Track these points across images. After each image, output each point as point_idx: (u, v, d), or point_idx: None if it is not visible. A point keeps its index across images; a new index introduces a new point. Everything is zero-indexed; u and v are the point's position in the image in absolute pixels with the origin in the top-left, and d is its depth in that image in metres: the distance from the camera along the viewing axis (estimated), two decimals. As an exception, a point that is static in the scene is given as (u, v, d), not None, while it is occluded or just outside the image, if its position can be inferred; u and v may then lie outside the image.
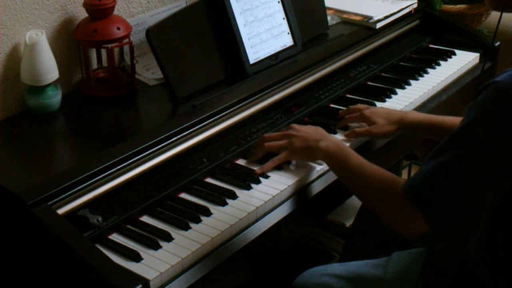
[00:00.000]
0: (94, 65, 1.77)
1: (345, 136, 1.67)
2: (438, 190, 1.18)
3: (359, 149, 1.67)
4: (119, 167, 1.40)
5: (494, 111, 1.11)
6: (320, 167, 1.56)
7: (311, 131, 1.53)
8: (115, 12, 1.69)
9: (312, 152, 1.50)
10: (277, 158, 1.53)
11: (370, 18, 2.09)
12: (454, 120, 1.62)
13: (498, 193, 1.13)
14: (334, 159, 1.46)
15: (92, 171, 1.35)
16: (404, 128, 1.68)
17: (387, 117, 1.68)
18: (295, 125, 1.57)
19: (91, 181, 1.35)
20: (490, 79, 1.15)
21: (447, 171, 1.17)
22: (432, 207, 1.20)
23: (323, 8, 2.02)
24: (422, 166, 1.23)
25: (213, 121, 1.59)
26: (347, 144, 1.64)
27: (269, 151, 1.55)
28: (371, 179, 1.36)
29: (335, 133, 1.69)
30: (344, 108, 1.82)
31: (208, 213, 1.39)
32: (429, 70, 2.07)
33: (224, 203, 1.42)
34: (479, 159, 1.13)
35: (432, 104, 1.94)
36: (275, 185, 1.48)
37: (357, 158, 1.42)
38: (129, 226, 1.36)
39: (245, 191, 1.46)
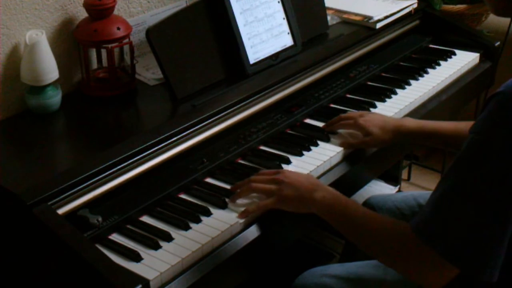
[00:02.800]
0: (94, 65, 1.77)
1: (340, 146, 1.63)
2: (450, 218, 1.11)
3: (359, 150, 1.67)
4: (119, 167, 1.40)
5: (503, 122, 1.07)
6: (320, 169, 1.56)
7: (302, 179, 1.39)
8: (115, 12, 1.69)
9: (305, 203, 1.36)
10: (263, 204, 1.39)
11: (370, 18, 2.09)
12: (449, 125, 1.60)
13: None
14: (332, 211, 1.33)
15: (92, 171, 1.35)
16: (400, 137, 1.63)
17: (382, 126, 1.62)
18: (286, 171, 1.44)
19: (91, 181, 1.35)
20: (495, 91, 1.11)
21: (457, 195, 1.10)
22: (446, 238, 1.11)
23: (323, 8, 2.02)
24: (430, 198, 1.16)
25: (213, 121, 1.59)
26: (342, 150, 1.62)
27: (254, 193, 1.43)
28: (377, 229, 1.24)
29: (328, 139, 1.67)
30: (344, 108, 1.82)
31: (208, 213, 1.39)
32: (429, 70, 2.07)
33: (224, 203, 1.42)
34: (493, 175, 1.07)
35: (432, 104, 1.94)
36: (275, 185, 1.48)
37: (357, 207, 1.31)
38: (129, 226, 1.36)
39: (245, 191, 1.46)
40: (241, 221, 1.37)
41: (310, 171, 1.54)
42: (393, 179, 2.43)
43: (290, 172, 1.44)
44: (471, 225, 1.10)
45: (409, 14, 2.22)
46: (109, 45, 1.64)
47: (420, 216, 1.17)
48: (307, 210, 1.38)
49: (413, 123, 1.65)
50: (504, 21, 2.40)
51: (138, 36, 1.83)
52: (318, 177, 1.55)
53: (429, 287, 1.18)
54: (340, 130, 1.70)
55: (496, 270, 1.11)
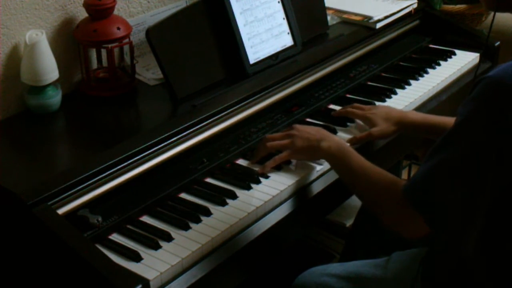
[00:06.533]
0: (94, 65, 1.77)
1: (348, 142, 1.66)
2: (435, 189, 1.18)
3: (359, 149, 1.67)
4: (119, 167, 1.40)
5: (488, 106, 1.11)
6: (320, 167, 1.56)
7: (313, 131, 1.54)
8: (115, 12, 1.69)
9: (314, 152, 1.51)
10: (278, 156, 1.53)
11: (370, 18, 2.09)
12: (453, 120, 1.61)
13: (496, 190, 1.12)
14: (336, 160, 1.47)
15: (92, 171, 1.35)
16: (404, 129, 1.69)
17: (387, 118, 1.68)
18: (297, 125, 1.58)
19: (91, 181, 1.35)
20: (485, 75, 1.14)
21: (443, 170, 1.17)
22: (430, 207, 1.20)
23: (323, 8, 2.02)
24: (420, 166, 1.23)
25: (213, 121, 1.59)
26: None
27: (271, 151, 1.55)
28: (372, 180, 1.37)
29: (335, 133, 1.69)
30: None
31: (208, 213, 1.39)
32: (429, 70, 2.07)
33: (224, 203, 1.42)
34: (475, 156, 1.13)
35: (432, 104, 1.94)
36: (275, 185, 1.48)
37: (359, 159, 1.43)
38: (129, 226, 1.36)
39: (245, 191, 1.46)
40: (241, 221, 1.38)
41: (311, 171, 1.54)
42: (393, 179, 2.42)
43: (301, 126, 1.59)
44: (451, 199, 1.16)
45: (409, 14, 2.22)
46: (109, 45, 1.64)
47: (411, 180, 1.25)
48: (317, 158, 1.55)
49: (417, 115, 1.71)
50: (504, 20, 2.40)
51: (138, 36, 1.83)
52: (319, 176, 1.55)
53: (406, 236, 1.30)
54: (349, 124, 1.74)
55: (469, 244, 1.18)
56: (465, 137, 1.14)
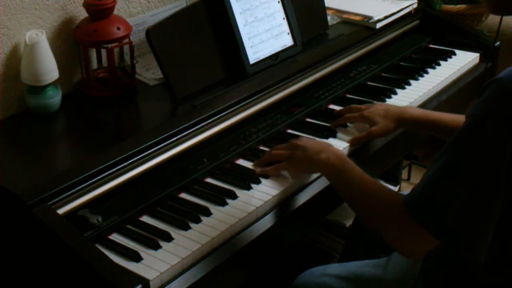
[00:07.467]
0: (94, 65, 1.77)
1: (349, 143, 1.65)
2: (441, 196, 1.14)
3: (359, 150, 1.68)
4: (119, 167, 1.40)
5: (499, 108, 1.09)
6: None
7: (314, 143, 1.50)
8: (115, 12, 1.69)
9: (312, 164, 1.46)
10: (279, 165, 1.50)
11: (370, 18, 2.09)
12: (452, 117, 1.61)
13: (508, 194, 1.10)
14: (334, 171, 1.41)
15: (92, 171, 1.35)
16: (403, 125, 1.68)
17: (386, 115, 1.66)
18: (302, 138, 1.55)
19: (91, 181, 1.35)
20: (492, 77, 1.13)
21: (449, 174, 1.13)
22: (435, 216, 1.14)
23: (323, 8, 2.02)
24: (423, 176, 1.19)
25: (213, 121, 1.59)
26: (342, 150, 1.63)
27: (274, 159, 1.53)
28: (371, 193, 1.31)
29: (335, 134, 1.69)
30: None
31: (208, 213, 1.39)
32: (429, 70, 2.07)
33: (224, 203, 1.42)
34: (485, 159, 1.10)
35: (432, 104, 1.94)
36: (275, 185, 1.48)
37: (358, 172, 1.37)
38: (129, 226, 1.36)
39: (245, 191, 1.46)
40: (241, 221, 1.38)
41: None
42: (393, 179, 2.43)
43: (305, 138, 1.55)
44: (459, 205, 1.12)
45: (409, 14, 2.22)
46: (109, 45, 1.64)
47: (412, 191, 1.20)
48: (314, 170, 1.50)
49: (417, 111, 1.70)
50: (504, 21, 2.39)
51: (138, 36, 1.83)
52: (319, 176, 1.55)
53: (406, 255, 1.26)
54: (349, 125, 1.72)
55: (481, 251, 1.14)
56: (475, 139, 1.11)
